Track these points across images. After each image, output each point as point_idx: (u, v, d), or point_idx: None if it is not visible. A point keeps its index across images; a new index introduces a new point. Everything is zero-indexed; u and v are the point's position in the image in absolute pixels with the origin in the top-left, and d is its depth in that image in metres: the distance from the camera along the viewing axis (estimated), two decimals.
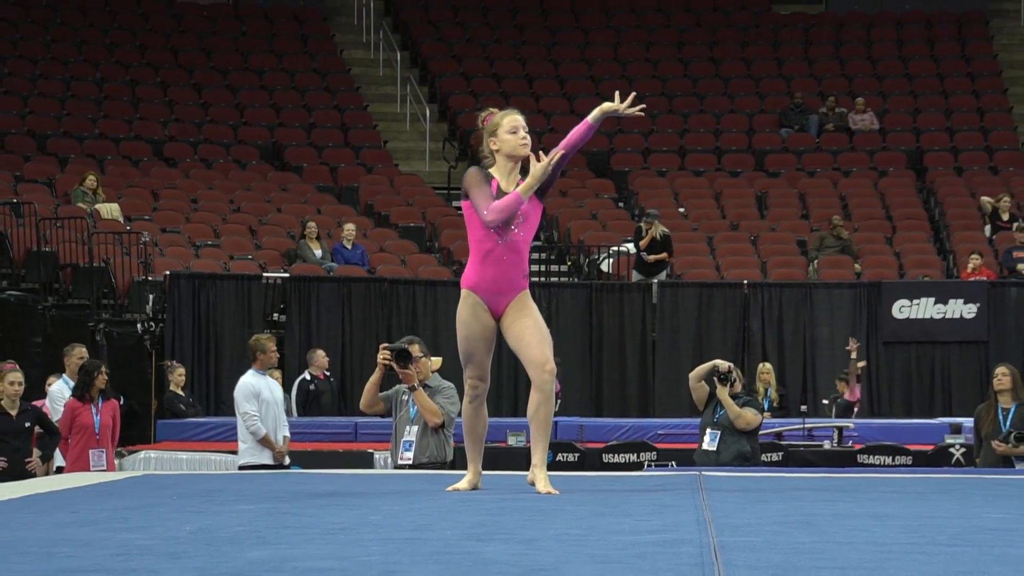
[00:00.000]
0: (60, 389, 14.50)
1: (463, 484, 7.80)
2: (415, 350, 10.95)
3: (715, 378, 13.33)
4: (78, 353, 14.67)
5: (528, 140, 7.70)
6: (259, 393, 13.18)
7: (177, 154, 26.45)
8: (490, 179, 7.65)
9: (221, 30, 29.97)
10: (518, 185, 7.56)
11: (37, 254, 21.08)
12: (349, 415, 18.54)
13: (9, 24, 28.40)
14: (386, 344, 10.90)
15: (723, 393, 13.30)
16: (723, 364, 13.37)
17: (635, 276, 22.82)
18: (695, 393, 13.59)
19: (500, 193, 7.59)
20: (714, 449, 13.24)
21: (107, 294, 20.97)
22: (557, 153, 7.59)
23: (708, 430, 13.34)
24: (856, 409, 19.35)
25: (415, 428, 11.19)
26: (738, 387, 13.37)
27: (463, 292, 7.71)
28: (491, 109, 7.89)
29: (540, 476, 7.57)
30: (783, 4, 32.24)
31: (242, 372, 20.05)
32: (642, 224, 22.88)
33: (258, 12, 30.52)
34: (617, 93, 7.95)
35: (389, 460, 12.15)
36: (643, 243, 22.39)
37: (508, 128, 7.67)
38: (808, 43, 30.90)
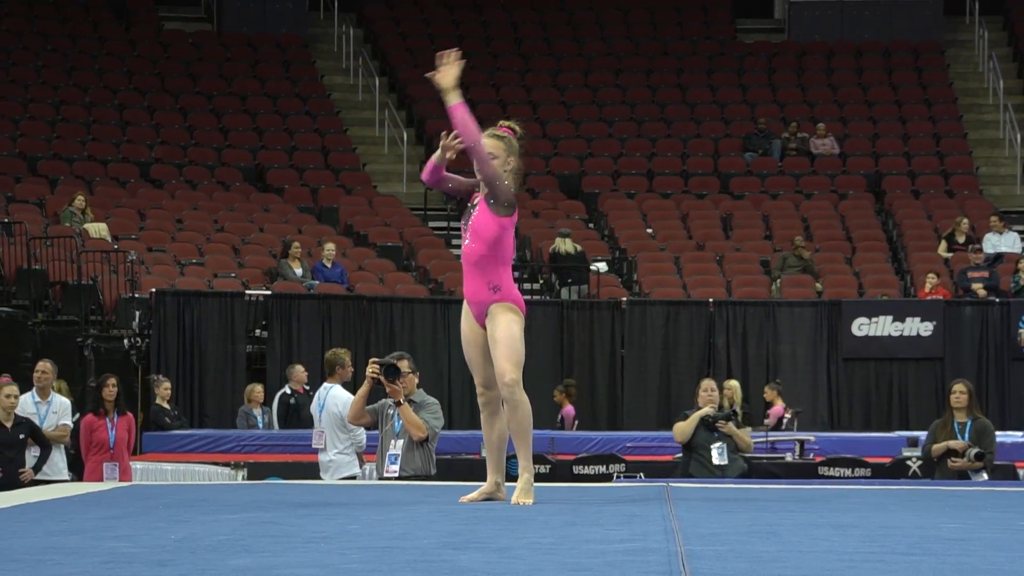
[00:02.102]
0: (24, 402, 14.29)
1: (475, 495, 7.77)
2: (404, 365, 10.93)
3: (715, 422, 13.45)
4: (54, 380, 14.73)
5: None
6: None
7: (163, 176, 26.61)
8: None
9: (206, 56, 30.17)
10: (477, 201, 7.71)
11: (27, 272, 21.27)
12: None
13: (1, 51, 28.56)
14: (376, 359, 10.90)
15: (733, 430, 13.52)
16: (710, 410, 13.52)
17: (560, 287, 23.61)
18: (685, 440, 13.58)
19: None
20: (725, 463, 13.37)
21: (95, 310, 21.10)
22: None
23: (714, 446, 13.43)
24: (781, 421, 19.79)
25: (400, 442, 11.12)
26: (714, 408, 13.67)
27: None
28: (503, 123, 8.11)
29: (517, 486, 7.60)
30: (747, 33, 32.61)
31: (224, 386, 20.73)
32: (557, 240, 23.80)
33: (242, 39, 30.69)
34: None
35: (375, 472, 12.12)
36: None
37: (501, 160, 8.04)
38: (771, 71, 31.16)
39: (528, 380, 21.48)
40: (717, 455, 13.42)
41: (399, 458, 11.11)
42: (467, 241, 7.71)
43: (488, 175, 7.68)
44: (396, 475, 11.06)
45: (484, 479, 7.87)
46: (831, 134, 28.93)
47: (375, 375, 10.71)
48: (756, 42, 32.31)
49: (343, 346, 20.70)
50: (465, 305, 7.86)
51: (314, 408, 13.40)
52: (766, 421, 19.67)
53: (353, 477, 12.91)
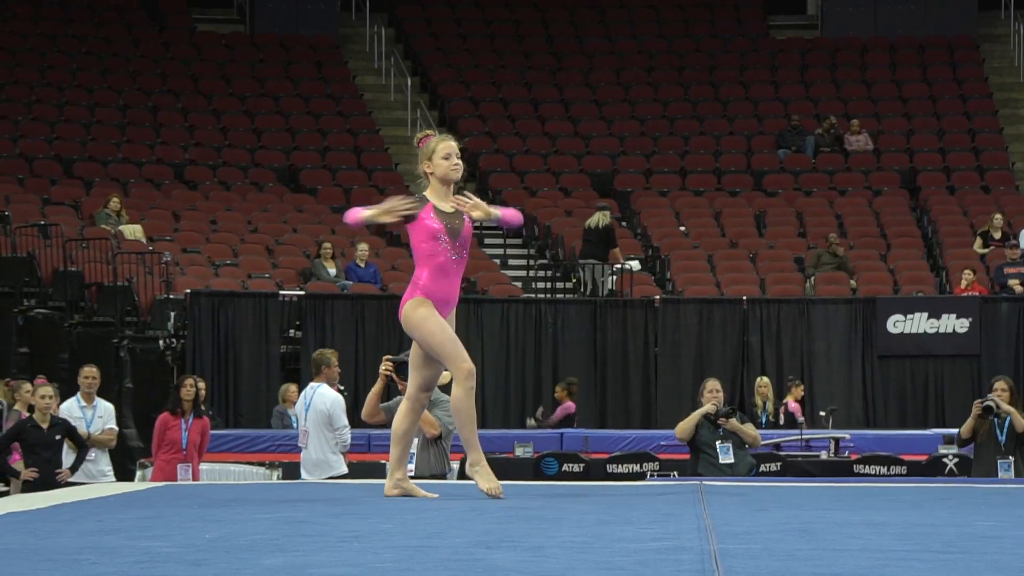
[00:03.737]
0: (69, 407, 14.56)
1: (490, 484, 7.85)
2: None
3: (717, 419, 13.45)
4: (86, 372, 14.81)
5: (460, 166, 7.95)
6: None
7: (197, 177, 26.76)
8: (425, 202, 7.94)
9: (239, 58, 30.32)
10: (454, 209, 7.93)
11: (64, 274, 21.44)
12: (362, 428, 19.00)
13: (37, 54, 28.77)
14: (389, 356, 10.93)
15: (736, 425, 13.51)
16: (710, 408, 13.50)
17: (590, 263, 23.67)
18: (687, 438, 13.60)
19: (437, 213, 7.89)
20: (732, 461, 13.37)
21: (130, 312, 21.20)
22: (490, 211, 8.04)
23: (719, 444, 13.43)
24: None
25: (416, 441, 11.02)
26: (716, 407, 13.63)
27: (417, 299, 7.94)
28: (427, 132, 8.23)
29: (480, 474, 7.85)
30: (780, 29, 32.63)
31: (259, 387, 20.82)
32: (600, 215, 23.87)
33: (275, 41, 30.83)
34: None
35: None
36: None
37: (442, 154, 7.93)
38: (804, 67, 31.16)
39: (561, 379, 21.50)
40: (723, 453, 13.42)
41: (414, 458, 11.03)
42: (457, 253, 7.97)
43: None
44: (411, 475, 10.91)
45: (516, 478, 7.97)
46: (865, 130, 28.86)
47: (387, 372, 10.73)
48: (789, 38, 32.29)
49: (377, 346, 20.81)
50: (432, 304, 8.00)
51: (299, 407, 13.35)
52: (781, 419, 19.69)
53: (344, 476, 12.85)
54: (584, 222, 25.57)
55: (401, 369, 10.56)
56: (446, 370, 10.67)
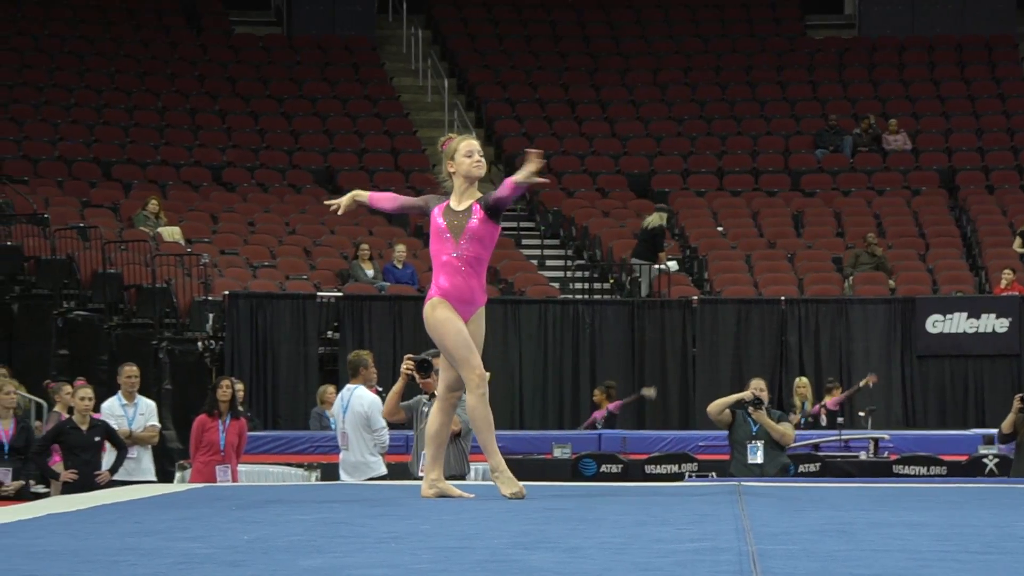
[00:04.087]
0: (111, 406, 14.67)
1: (513, 489, 7.87)
2: (439, 362, 10.97)
3: (747, 408, 13.52)
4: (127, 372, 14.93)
5: (483, 163, 8.07)
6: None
7: (235, 179, 26.89)
8: (440, 201, 8.08)
9: (276, 60, 30.41)
10: (470, 204, 7.97)
11: (103, 276, 21.53)
12: (401, 428, 19.03)
13: (76, 57, 28.95)
14: (410, 355, 11.00)
15: (763, 417, 13.53)
16: (747, 395, 13.57)
17: (636, 262, 23.71)
18: (719, 420, 13.68)
19: (448, 212, 7.98)
20: (760, 461, 13.41)
21: (169, 313, 21.29)
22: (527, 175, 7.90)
23: (749, 444, 13.47)
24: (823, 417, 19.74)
25: None
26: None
27: (435, 300, 8.00)
28: (450, 135, 8.30)
29: (501, 480, 7.89)
30: (817, 29, 32.56)
31: (297, 388, 20.87)
32: (663, 215, 23.92)
33: (312, 43, 30.92)
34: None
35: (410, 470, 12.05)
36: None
37: (464, 152, 8.06)
38: (842, 66, 31.08)
39: (599, 379, 21.51)
40: (751, 453, 13.45)
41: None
42: (461, 251, 7.98)
43: (422, 211, 8.28)
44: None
45: (553, 479, 7.99)
46: (903, 129, 28.78)
47: (408, 371, 10.76)
48: (826, 38, 32.23)
49: (414, 347, 20.81)
50: (446, 302, 8.02)
51: (337, 409, 13.38)
52: (807, 419, 19.62)
53: (383, 477, 12.85)
54: (620, 222, 25.64)
55: (421, 367, 10.76)
56: (425, 377, 10.73)
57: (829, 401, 20.09)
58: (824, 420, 19.78)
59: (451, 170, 8.12)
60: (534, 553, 5.11)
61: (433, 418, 8.35)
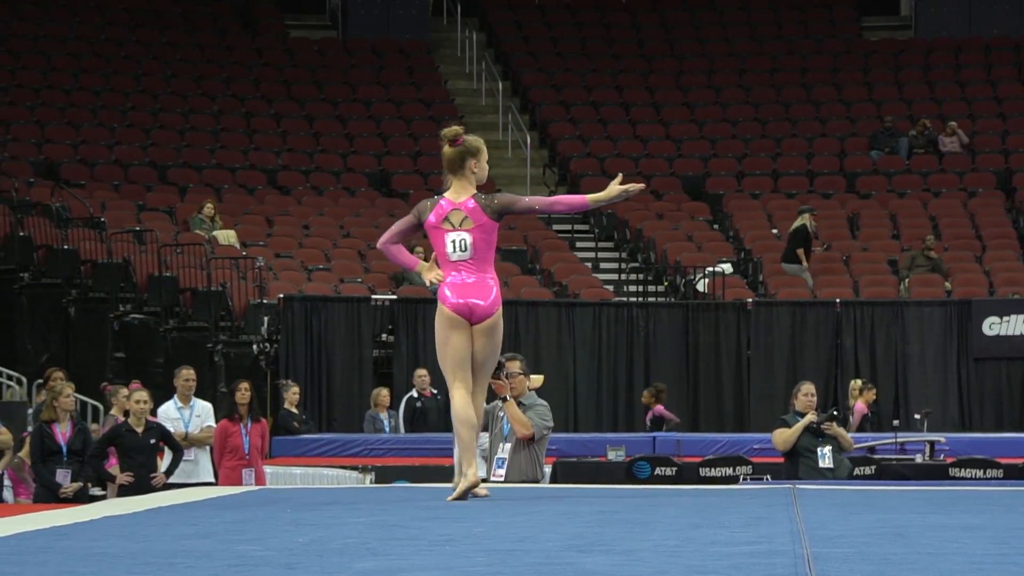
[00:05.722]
0: (167, 409, 14.77)
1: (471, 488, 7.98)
2: (515, 366, 10.87)
3: (820, 424, 13.45)
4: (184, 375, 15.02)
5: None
6: None
7: (290, 182, 27.01)
8: (435, 202, 8.21)
9: (331, 64, 30.53)
10: (467, 198, 8.12)
11: (159, 279, 21.67)
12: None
13: (132, 61, 29.16)
14: None
15: (838, 430, 13.55)
16: (812, 416, 13.49)
17: (785, 267, 23.94)
18: (789, 450, 13.58)
19: (450, 208, 8.10)
20: (831, 466, 13.38)
21: (224, 316, 21.41)
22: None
23: (819, 449, 13.44)
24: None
25: (508, 445, 10.93)
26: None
27: (439, 307, 8.10)
28: (458, 128, 8.43)
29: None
30: (873, 31, 32.44)
31: (352, 391, 20.92)
32: (808, 217, 24.15)
33: (366, 46, 31.05)
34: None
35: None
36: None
37: (486, 158, 8.34)
38: (898, 68, 30.95)
39: (653, 382, 21.41)
40: (823, 458, 13.39)
41: (506, 462, 10.95)
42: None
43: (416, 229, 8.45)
44: (502, 479, 10.90)
45: (607, 482, 8.00)
46: (959, 131, 28.60)
47: None
48: (882, 39, 32.09)
49: None
50: (452, 312, 8.04)
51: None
52: (851, 419, 19.51)
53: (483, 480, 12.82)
54: (675, 224, 25.62)
55: (495, 369, 10.62)
56: (495, 379, 10.62)
57: (859, 403, 19.93)
58: (853, 421, 19.63)
59: (473, 168, 8.23)
60: (588, 556, 5.10)
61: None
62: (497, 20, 32.28)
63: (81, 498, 13.31)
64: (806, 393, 13.67)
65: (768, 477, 14.69)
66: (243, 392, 14.24)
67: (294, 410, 18.92)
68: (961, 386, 21.91)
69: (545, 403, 11.16)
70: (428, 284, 8.30)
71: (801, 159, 28.72)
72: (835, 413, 13.91)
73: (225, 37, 30.79)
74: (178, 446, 13.99)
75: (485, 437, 11.31)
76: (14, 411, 19.06)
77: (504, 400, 10.90)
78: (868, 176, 28.13)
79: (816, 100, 30.19)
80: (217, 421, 14.72)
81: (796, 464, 13.56)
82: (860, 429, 18.93)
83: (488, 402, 11.32)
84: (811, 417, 13.47)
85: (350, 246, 24.73)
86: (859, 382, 20.44)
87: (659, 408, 20.21)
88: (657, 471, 15.65)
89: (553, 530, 6.17)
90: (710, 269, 23.73)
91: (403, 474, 16.16)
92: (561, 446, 16.91)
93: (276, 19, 31.73)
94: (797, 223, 24.27)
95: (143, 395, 13.97)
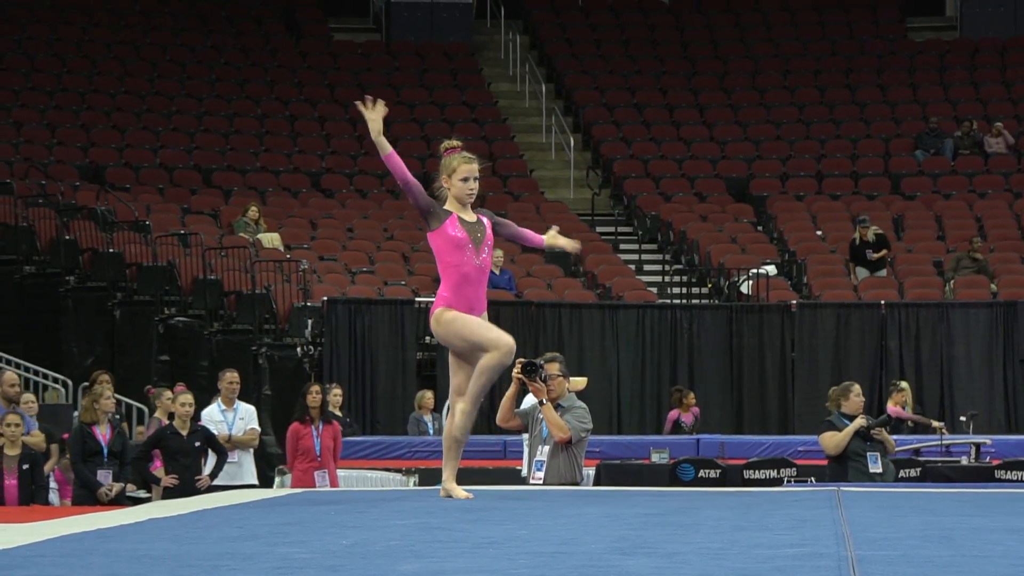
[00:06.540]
0: (210, 412, 14.87)
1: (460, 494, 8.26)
2: (553, 368, 10.85)
3: (871, 430, 13.40)
4: (228, 377, 15.10)
5: (474, 192, 8.35)
6: None
7: (334, 185, 27.06)
8: (448, 214, 8.31)
9: (375, 66, 30.59)
10: (476, 218, 8.33)
11: (203, 282, 21.76)
12: (497, 434, 19.02)
13: (177, 65, 29.33)
14: (522, 359, 10.71)
15: (886, 436, 13.52)
16: (862, 421, 13.43)
17: (860, 273, 23.90)
18: (839, 454, 13.52)
19: (461, 223, 8.25)
20: (880, 471, 13.35)
21: (268, 319, 21.42)
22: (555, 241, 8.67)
23: (868, 454, 13.40)
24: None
25: (546, 448, 10.91)
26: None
27: (440, 309, 8.32)
28: (455, 143, 8.53)
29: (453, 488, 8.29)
30: (918, 31, 32.35)
31: (395, 393, 20.93)
32: (857, 228, 24.09)
33: (410, 49, 31.13)
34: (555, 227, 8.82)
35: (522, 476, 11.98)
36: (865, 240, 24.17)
37: (461, 175, 8.35)
38: (943, 68, 30.85)
39: (697, 384, 21.42)
40: (872, 462, 13.34)
41: (544, 465, 10.92)
42: (480, 260, 8.30)
43: (419, 206, 8.39)
44: (541, 482, 10.87)
45: (652, 484, 8.03)
46: (1005, 132, 28.47)
47: (518, 376, 10.64)
48: (927, 40, 32.02)
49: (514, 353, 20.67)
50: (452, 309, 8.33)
51: None
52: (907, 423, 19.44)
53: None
54: (718, 226, 25.54)
55: (526, 370, 10.63)
56: (532, 381, 10.63)
57: (890, 406, 19.78)
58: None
59: (445, 184, 8.38)
60: (632, 559, 5.11)
61: (447, 422, 8.65)
62: (540, 22, 32.30)
63: (120, 500, 13.39)
64: (857, 394, 13.58)
65: (812, 479, 14.59)
66: (314, 395, 14.33)
67: (338, 412, 18.64)
68: (1007, 388, 21.74)
69: (584, 405, 11.11)
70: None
71: (846, 160, 28.62)
72: (887, 418, 13.82)
73: (269, 40, 30.91)
74: (222, 449, 14.05)
75: (525, 438, 11.32)
76: (59, 414, 19.18)
77: (542, 403, 10.86)
78: (913, 177, 28.03)
79: (861, 101, 30.09)
80: (260, 424, 14.77)
81: (845, 468, 13.47)
82: (896, 432, 18.80)
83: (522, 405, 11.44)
84: (861, 421, 13.39)
85: (394, 248, 24.76)
86: (905, 383, 20.25)
87: (673, 412, 20.17)
88: (701, 473, 15.64)
89: (596, 533, 6.16)
90: (754, 271, 23.66)
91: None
92: (605, 448, 16.89)
93: (320, 22, 31.84)
94: (868, 234, 24.34)
95: (188, 398, 14.05)
